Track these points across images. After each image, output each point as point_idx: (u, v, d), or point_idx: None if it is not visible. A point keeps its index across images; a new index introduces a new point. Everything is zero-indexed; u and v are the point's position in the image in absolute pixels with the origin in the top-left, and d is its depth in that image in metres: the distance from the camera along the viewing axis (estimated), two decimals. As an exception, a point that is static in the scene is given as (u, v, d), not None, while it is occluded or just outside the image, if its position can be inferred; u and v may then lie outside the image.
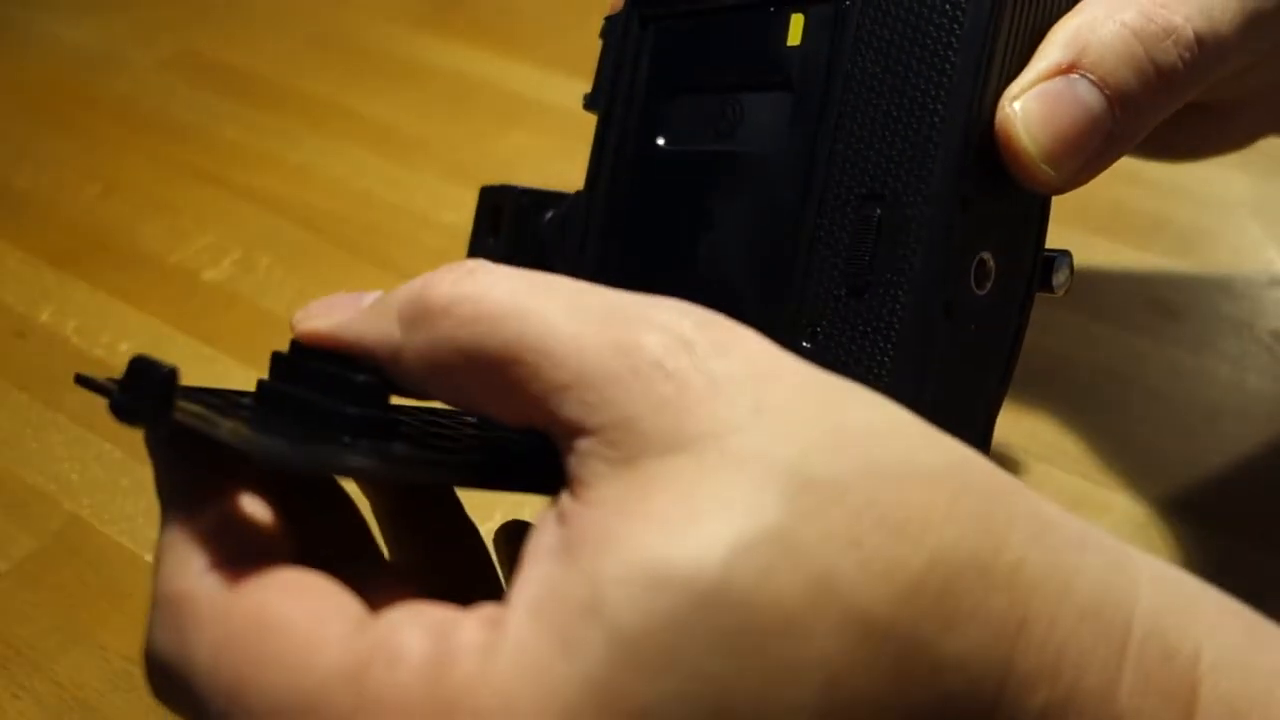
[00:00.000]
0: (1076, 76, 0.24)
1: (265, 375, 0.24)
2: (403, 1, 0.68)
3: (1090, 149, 0.24)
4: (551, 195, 0.33)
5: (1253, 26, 0.25)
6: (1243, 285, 0.46)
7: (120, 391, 0.20)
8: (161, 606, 0.19)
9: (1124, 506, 0.37)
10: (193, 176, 0.55)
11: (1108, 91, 0.24)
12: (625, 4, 0.31)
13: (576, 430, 0.19)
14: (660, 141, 0.30)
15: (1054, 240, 0.26)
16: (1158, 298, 0.45)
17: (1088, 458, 0.39)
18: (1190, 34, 0.24)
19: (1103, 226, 0.48)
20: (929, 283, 0.23)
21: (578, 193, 0.32)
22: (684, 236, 0.28)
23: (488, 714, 0.17)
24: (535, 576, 0.18)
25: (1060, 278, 0.26)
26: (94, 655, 0.34)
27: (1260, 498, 0.37)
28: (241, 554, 0.19)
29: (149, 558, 0.37)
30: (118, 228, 0.52)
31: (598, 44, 0.32)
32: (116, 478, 0.40)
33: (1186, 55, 0.24)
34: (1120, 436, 0.39)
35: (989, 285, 0.25)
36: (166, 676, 0.19)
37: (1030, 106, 0.24)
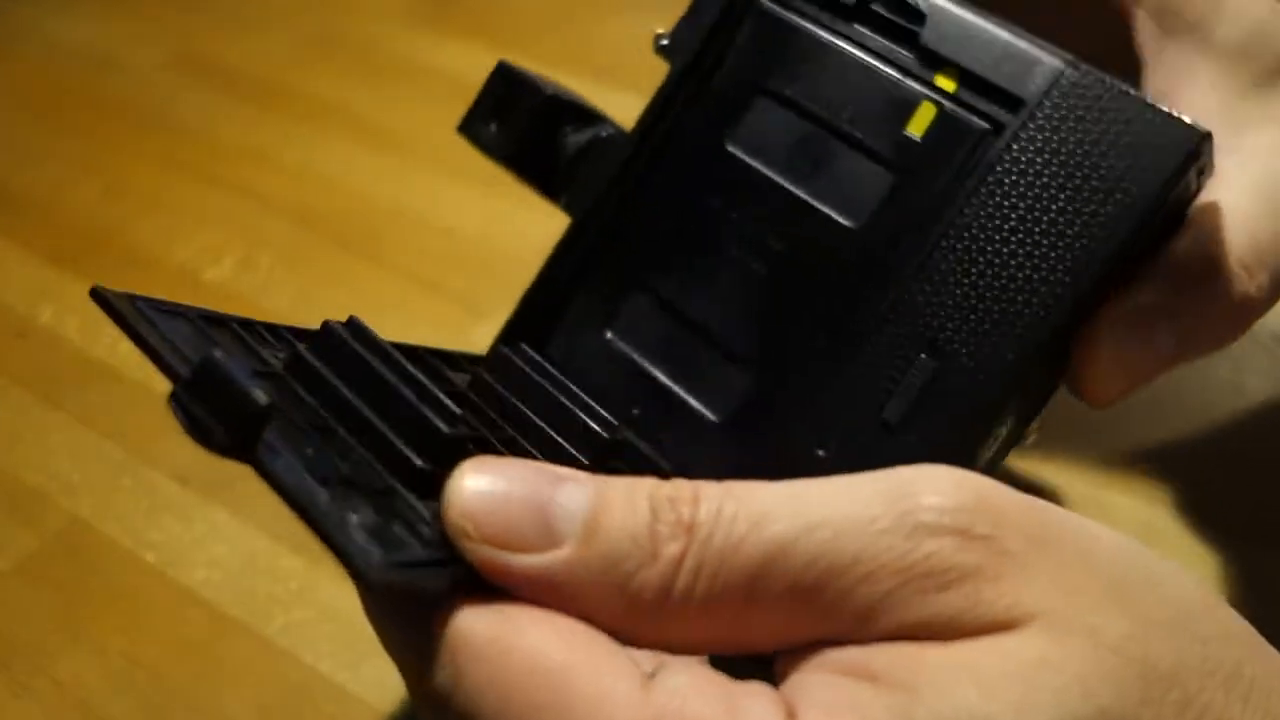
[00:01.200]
0: (1164, 323, 0.24)
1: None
2: (402, 1, 0.68)
3: (1146, 384, 0.25)
4: (582, 110, 0.29)
5: None
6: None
7: (187, 392, 0.18)
8: (441, 643, 0.18)
9: (1124, 507, 0.37)
10: (193, 176, 0.55)
11: (1185, 345, 0.24)
12: None
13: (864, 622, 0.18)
14: (729, 143, 0.27)
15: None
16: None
17: (1086, 460, 0.39)
18: (1261, 299, 0.25)
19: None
20: (957, 451, 0.23)
21: (618, 129, 0.28)
22: (720, 257, 0.26)
23: None
24: (829, 683, 0.18)
25: (1032, 426, 0.26)
26: (94, 655, 0.34)
27: (1259, 499, 0.37)
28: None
29: (149, 558, 0.37)
30: (118, 228, 0.52)
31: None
32: (116, 478, 0.40)
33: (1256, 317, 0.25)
34: (1120, 438, 0.39)
35: (995, 447, 0.24)
36: (447, 712, 0.18)
37: (1118, 338, 0.24)
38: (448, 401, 0.21)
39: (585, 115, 0.29)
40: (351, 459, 0.20)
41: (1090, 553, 0.19)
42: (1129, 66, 0.26)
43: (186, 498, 0.39)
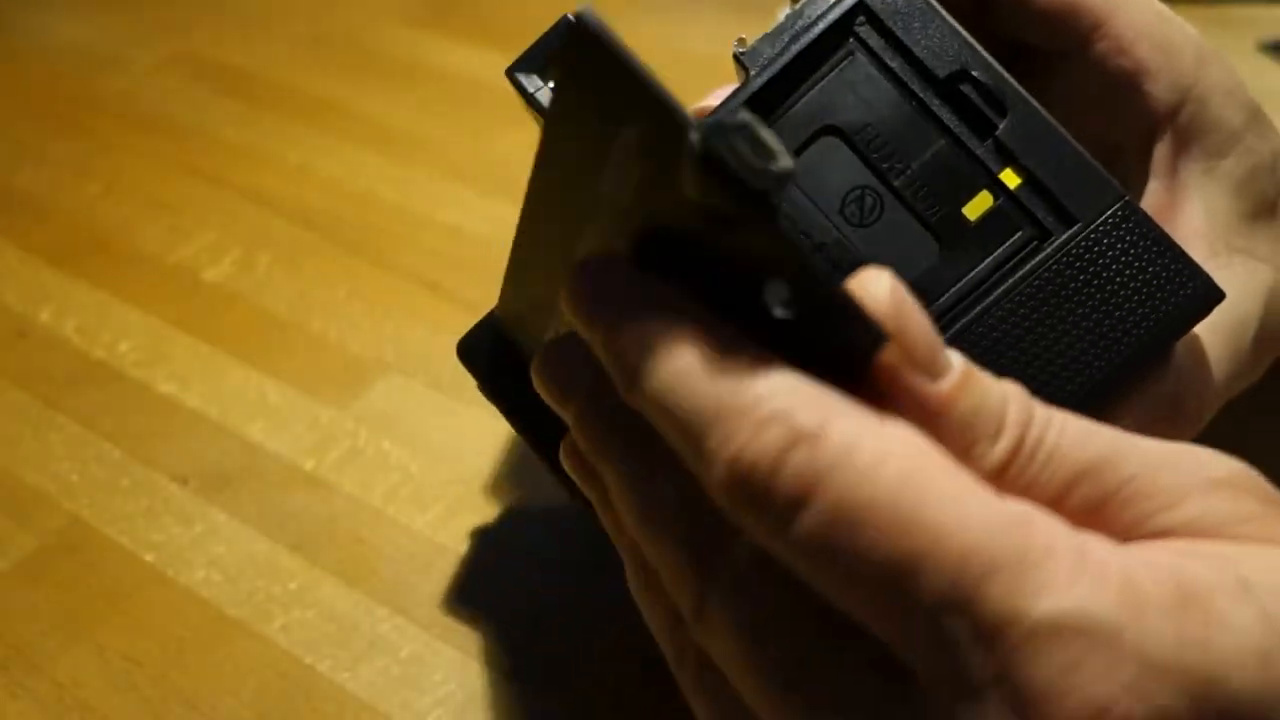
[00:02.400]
0: None
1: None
2: (402, 1, 0.69)
3: None
4: None
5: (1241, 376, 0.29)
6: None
7: (720, 137, 0.17)
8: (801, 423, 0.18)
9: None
10: (192, 176, 0.55)
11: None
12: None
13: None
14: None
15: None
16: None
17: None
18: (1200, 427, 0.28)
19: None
20: None
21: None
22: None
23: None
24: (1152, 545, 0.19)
25: None
26: (94, 655, 0.34)
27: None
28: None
29: (149, 558, 0.37)
30: (118, 228, 0.52)
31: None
32: (116, 478, 0.40)
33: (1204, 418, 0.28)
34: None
35: None
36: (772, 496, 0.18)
37: None
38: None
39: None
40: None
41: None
42: (1109, 165, 0.27)
43: (186, 498, 0.39)
